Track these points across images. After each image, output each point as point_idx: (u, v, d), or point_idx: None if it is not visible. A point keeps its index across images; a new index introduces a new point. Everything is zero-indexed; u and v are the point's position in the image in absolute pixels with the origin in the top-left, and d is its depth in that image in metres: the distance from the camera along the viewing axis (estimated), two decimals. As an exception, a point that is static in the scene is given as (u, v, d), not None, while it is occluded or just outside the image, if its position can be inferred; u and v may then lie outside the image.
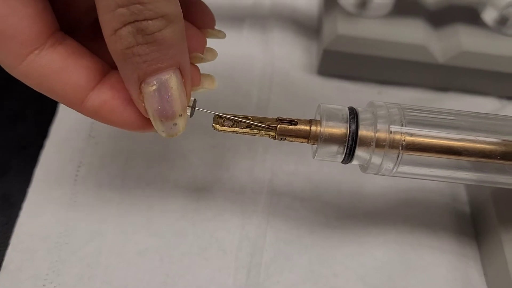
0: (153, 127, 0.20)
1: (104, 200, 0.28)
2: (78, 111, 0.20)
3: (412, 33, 0.33)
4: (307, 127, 0.21)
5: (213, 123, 0.22)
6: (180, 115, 0.19)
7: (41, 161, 0.29)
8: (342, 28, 0.33)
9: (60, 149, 0.30)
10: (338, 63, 0.34)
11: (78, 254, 0.26)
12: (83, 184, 0.29)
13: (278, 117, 0.22)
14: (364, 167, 0.22)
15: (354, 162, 0.22)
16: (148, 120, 0.19)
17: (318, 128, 0.21)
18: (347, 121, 0.21)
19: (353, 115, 0.21)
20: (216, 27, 0.24)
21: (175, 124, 0.19)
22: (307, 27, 0.37)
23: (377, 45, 0.33)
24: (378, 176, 0.29)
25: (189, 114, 0.20)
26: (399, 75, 0.34)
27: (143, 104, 0.18)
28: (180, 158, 0.30)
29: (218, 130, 0.21)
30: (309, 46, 0.36)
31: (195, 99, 0.21)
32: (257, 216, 0.27)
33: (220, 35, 0.24)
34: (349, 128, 0.21)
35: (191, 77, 0.20)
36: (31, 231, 0.27)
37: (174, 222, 0.27)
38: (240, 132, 0.22)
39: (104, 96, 0.19)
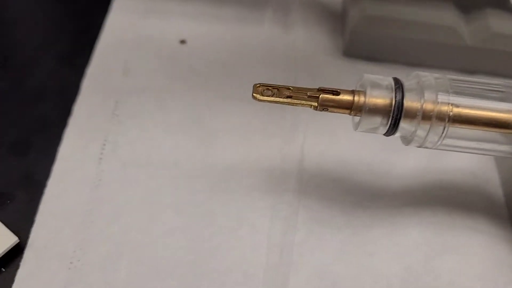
0: None
1: (130, 180, 0.27)
2: None
3: (441, 14, 0.33)
4: (350, 97, 0.21)
5: (253, 92, 0.21)
6: None
7: (65, 139, 0.29)
8: (370, 8, 0.32)
9: (84, 127, 0.29)
10: (365, 45, 0.33)
11: (105, 233, 0.25)
12: (108, 163, 0.28)
13: (320, 87, 0.21)
14: (407, 140, 0.22)
15: (397, 134, 0.21)
16: None
17: (362, 98, 0.21)
18: (392, 91, 0.21)
19: (398, 84, 0.21)
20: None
21: None
22: (331, 9, 0.37)
23: (405, 26, 0.32)
24: (409, 156, 0.29)
25: None
26: (427, 58, 0.33)
27: None
28: (208, 138, 0.29)
29: (258, 100, 0.21)
30: (333, 28, 0.36)
31: None
32: (288, 195, 0.27)
33: None
34: (395, 98, 0.20)
35: None
36: (56, 209, 0.26)
37: (203, 202, 0.27)
38: (281, 102, 0.21)
39: None
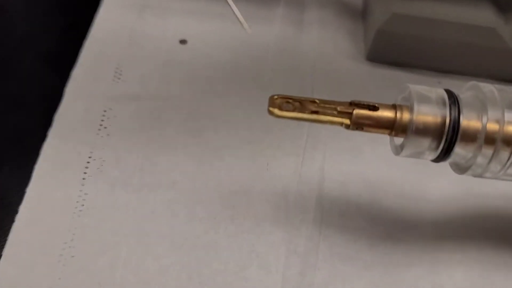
0: None
1: (118, 204, 0.24)
2: None
3: (477, 14, 0.29)
4: (391, 114, 0.17)
5: (269, 106, 0.17)
6: None
7: (43, 155, 0.25)
8: (398, 6, 0.28)
9: (65, 141, 0.25)
10: (391, 48, 0.29)
11: (88, 270, 0.22)
12: (93, 184, 0.24)
13: (352, 101, 0.17)
14: (460, 168, 0.17)
15: (449, 160, 0.17)
16: None
17: (406, 115, 0.17)
18: (445, 106, 0.17)
19: (453, 98, 0.17)
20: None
21: None
22: (351, 6, 0.33)
23: (438, 27, 0.28)
24: (446, 177, 0.25)
25: None
26: (462, 63, 0.29)
27: None
28: (211, 155, 0.25)
29: (276, 115, 0.17)
30: (354, 28, 0.32)
31: None
32: (307, 226, 0.23)
33: None
34: (449, 116, 0.16)
35: None
36: (29, 240, 0.22)
37: (205, 232, 0.23)
38: (305, 119, 0.17)
39: None
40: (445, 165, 0.19)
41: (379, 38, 0.29)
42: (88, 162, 0.25)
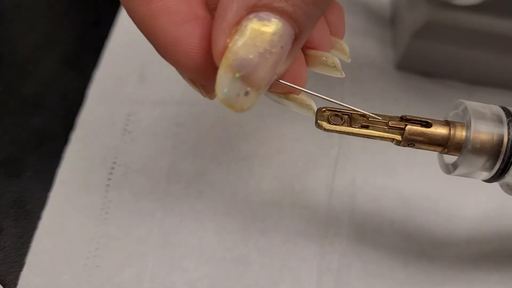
0: (211, 78, 0.14)
1: (144, 213, 0.23)
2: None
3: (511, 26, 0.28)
4: (445, 131, 0.16)
5: (317, 119, 0.16)
6: (260, 88, 0.14)
7: (65, 159, 0.24)
8: (431, 14, 0.27)
9: (88, 145, 0.25)
10: (421, 57, 0.28)
11: (113, 281, 0.21)
12: (118, 191, 0.23)
13: (403, 116, 0.16)
14: (513, 188, 0.17)
15: (501, 181, 0.16)
16: (214, 68, 0.14)
17: (460, 133, 0.16)
18: (502, 124, 0.16)
19: (511, 117, 0.16)
20: None
21: (246, 94, 0.14)
22: (379, 14, 0.32)
23: (472, 37, 0.27)
24: (481, 193, 0.24)
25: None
26: (493, 74, 0.29)
27: (227, 41, 0.13)
28: (240, 164, 0.24)
29: (325, 129, 0.16)
30: (382, 36, 0.31)
31: None
32: (340, 241, 0.22)
33: (345, 52, 0.19)
34: (508, 135, 0.16)
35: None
36: (52, 248, 0.22)
37: (234, 246, 0.22)
38: (355, 134, 0.16)
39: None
40: (480, 181, 0.18)
41: (410, 47, 0.28)
42: (112, 168, 0.24)
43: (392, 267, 0.22)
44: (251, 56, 0.13)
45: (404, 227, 0.23)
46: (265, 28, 0.13)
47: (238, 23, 0.13)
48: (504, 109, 0.16)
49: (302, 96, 0.16)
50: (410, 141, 0.16)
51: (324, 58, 0.17)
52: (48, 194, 0.23)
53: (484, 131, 0.16)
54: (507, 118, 0.16)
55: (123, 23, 0.29)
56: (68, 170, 0.24)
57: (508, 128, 0.16)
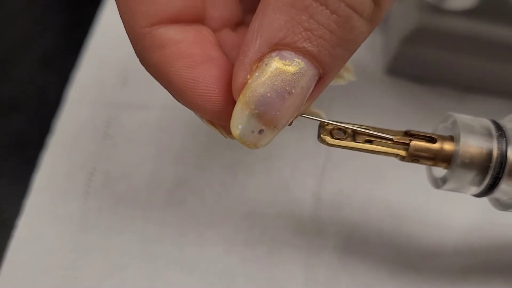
0: (227, 117, 0.14)
1: (124, 222, 0.22)
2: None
3: (507, 31, 0.27)
4: (451, 147, 0.16)
5: (321, 133, 0.16)
6: (276, 128, 0.14)
7: (43, 166, 0.23)
8: (422, 19, 0.27)
9: (67, 151, 0.24)
10: (412, 62, 0.28)
11: None
12: (97, 199, 0.23)
13: (407, 130, 0.16)
14: (503, 204, 0.16)
15: (490, 196, 0.16)
16: (231, 105, 0.14)
17: (448, 146, 0.16)
18: (491, 138, 0.15)
19: (501, 131, 0.16)
20: None
21: (261, 132, 0.14)
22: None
23: (463, 42, 0.27)
24: (469, 206, 0.24)
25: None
26: (485, 81, 0.28)
27: (247, 77, 0.13)
28: (223, 172, 0.23)
29: (328, 144, 0.16)
30: (372, 41, 0.30)
31: None
32: (328, 252, 0.22)
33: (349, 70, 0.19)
34: (498, 149, 0.15)
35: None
36: (28, 259, 0.21)
37: (217, 257, 0.21)
38: (358, 149, 0.16)
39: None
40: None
41: (401, 52, 0.27)
42: (92, 175, 0.23)
43: (380, 278, 0.21)
44: (268, 95, 0.13)
45: (392, 238, 0.23)
46: (287, 68, 0.13)
47: (259, 60, 0.13)
48: (494, 122, 0.16)
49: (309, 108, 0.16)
50: (414, 157, 0.16)
51: (308, 111, 0.16)
52: (24, 202, 0.22)
53: (473, 145, 0.15)
54: (496, 132, 0.16)
55: (105, 24, 0.29)
56: (45, 177, 0.23)
57: (498, 143, 0.15)
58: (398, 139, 0.16)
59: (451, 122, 0.16)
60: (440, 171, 0.17)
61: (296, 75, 0.13)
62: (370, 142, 0.16)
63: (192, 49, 0.14)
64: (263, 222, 0.22)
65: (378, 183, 0.24)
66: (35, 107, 0.26)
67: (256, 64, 0.13)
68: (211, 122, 0.16)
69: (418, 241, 0.23)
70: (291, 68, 0.13)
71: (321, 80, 0.14)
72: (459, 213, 0.24)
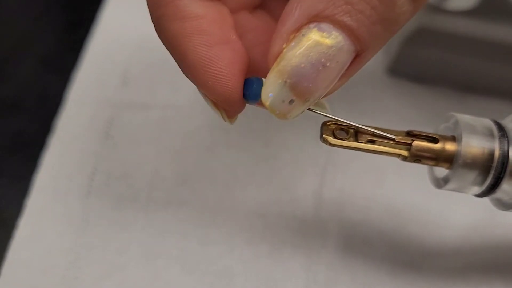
0: (236, 104, 0.15)
1: (125, 222, 0.22)
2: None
3: (508, 31, 0.27)
4: (453, 147, 0.16)
5: (323, 133, 0.16)
6: (307, 100, 0.14)
7: (44, 165, 0.23)
8: (423, 19, 0.27)
9: (68, 150, 0.24)
10: (413, 62, 0.28)
11: None
12: (98, 199, 0.23)
13: (409, 130, 0.16)
14: (505, 204, 0.16)
15: (492, 196, 0.16)
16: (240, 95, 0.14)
17: (452, 147, 0.16)
18: (493, 138, 0.15)
19: (503, 131, 0.16)
20: None
21: (291, 102, 0.14)
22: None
23: (464, 43, 0.27)
24: (470, 205, 0.24)
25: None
26: (486, 81, 0.28)
27: (283, 47, 0.13)
28: (224, 172, 0.23)
29: (331, 144, 0.16)
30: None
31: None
32: (327, 252, 0.21)
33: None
34: (499, 150, 0.15)
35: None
36: (29, 259, 0.21)
37: (217, 257, 0.21)
38: (360, 149, 0.16)
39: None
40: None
41: (402, 52, 0.27)
42: (93, 174, 0.23)
43: (380, 278, 0.21)
44: (303, 65, 0.13)
45: (392, 237, 0.23)
46: (324, 40, 0.13)
47: (297, 30, 0.13)
48: (495, 122, 0.16)
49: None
50: (416, 157, 0.16)
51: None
52: (25, 201, 0.22)
53: (475, 145, 0.15)
54: (498, 132, 0.16)
55: (106, 23, 0.29)
56: (46, 177, 0.23)
57: (499, 143, 0.15)
58: (400, 139, 0.16)
59: (453, 122, 0.16)
60: (441, 171, 0.17)
61: (333, 49, 0.13)
62: (372, 142, 0.16)
63: (212, 27, 0.14)
64: (264, 221, 0.22)
65: (379, 183, 0.24)
66: (36, 107, 0.25)
67: (294, 34, 0.13)
68: (215, 104, 0.16)
69: (418, 240, 0.23)
70: (328, 41, 0.13)
71: (358, 57, 0.13)
72: (460, 213, 0.24)
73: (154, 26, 0.15)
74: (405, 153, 0.16)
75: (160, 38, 0.15)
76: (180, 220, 0.22)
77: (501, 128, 0.16)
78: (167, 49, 0.15)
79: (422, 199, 0.23)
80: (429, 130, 0.17)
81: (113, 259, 0.21)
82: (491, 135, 0.16)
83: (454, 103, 0.28)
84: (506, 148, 0.15)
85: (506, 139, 0.15)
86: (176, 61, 0.15)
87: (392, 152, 0.16)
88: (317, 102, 0.16)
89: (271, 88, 0.13)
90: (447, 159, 0.16)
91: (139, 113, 0.25)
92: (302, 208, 0.23)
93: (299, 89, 0.13)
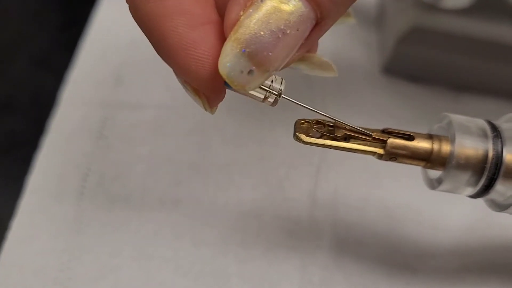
0: (219, 90, 0.14)
1: (119, 223, 0.22)
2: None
3: (502, 30, 0.27)
4: (427, 145, 0.15)
5: (296, 131, 0.15)
6: (266, 70, 0.13)
7: (37, 166, 0.23)
8: (418, 18, 0.27)
9: (61, 151, 0.24)
10: (408, 61, 0.28)
11: None
12: (92, 200, 0.22)
13: (385, 128, 0.16)
14: (499, 205, 0.16)
15: (486, 197, 0.16)
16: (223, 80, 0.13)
17: (445, 147, 0.15)
18: (486, 138, 0.15)
19: (496, 132, 0.15)
20: None
21: (250, 73, 0.13)
22: (363, 14, 0.31)
23: (460, 42, 0.27)
24: (466, 206, 0.24)
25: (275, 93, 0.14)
26: (481, 80, 0.28)
27: (240, 14, 0.12)
28: (218, 172, 0.23)
29: (304, 142, 0.15)
30: (368, 39, 0.30)
31: (283, 79, 0.15)
32: (322, 253, 0.21)
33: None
34: (493, 150, 0.15)
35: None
36: (22, 260, 0.21)
37: (211, 258, 0.21)
38: (336, 147, 0.16)
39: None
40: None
41: (397, 51, 0.27)
42: (86, 175, 0.23)
43: (375, 279, 0.21)
44: (261, 33, 0.12)
45: (387, 238, 0.22)
46: (283, 6, 0.12)
47: None
48: (489, 123, 0.16)
49: (318, 56, 0.15)
50: (392, 155, 0.16)
51: (317, 58, 0.16)
52: (18, 203, 0.22)
53: (469, 146, 0.15)
54: (492, 133, 0.15)
55: (100, 23, 0.28)
56: (39, 178, 0.23)
57: (493, 144, 0.15)
58: (376, 135, 0.16)
59: (446, 123, 0.16)
60: (435, 172, 0.16)
61: (293, 15, 0.12)
62: (348, 140, 0.16)
63: (194, 7, 0.13)
64: (258, 222, 0.22)
65: (373, 183, 0.24)
66: (29, 107, 0.25)
67: (251, 1, 0.12)
68: (196, 91, 0.14)
69: (413, 241, 0.22)
70: (287, 7, 0.12)
71: (318, 25, 0.13)
72: (455, 214, 0.23)
73: (129, 6, 0.14)
74: (380, 150, 0.16)
75: (135, 19, 0.14)
76: (174, 220, 0.22)
77: (494, 129, 0.16)
78: (142, 31, 0.14)
79: (416, 200, 0.23)
80: (423, 129, 0.17)
81: (107, 260, 0.21)
82: (484, 135, 0.16)
83: (449, 102, 0.28)
84: (499, 148, 0.15)
85: (499, 139, 0.15)
86: (152, 44, 0.14)
87: (367, 150, 0.16)
88: (325, 66, 0.16)
89: (229, 57, 0.13)
90: (441, 160, 0.16)
91: (132, 113, 0.25)
92: (297, 209, 0.22)
93: (258, 58, 0.12)
